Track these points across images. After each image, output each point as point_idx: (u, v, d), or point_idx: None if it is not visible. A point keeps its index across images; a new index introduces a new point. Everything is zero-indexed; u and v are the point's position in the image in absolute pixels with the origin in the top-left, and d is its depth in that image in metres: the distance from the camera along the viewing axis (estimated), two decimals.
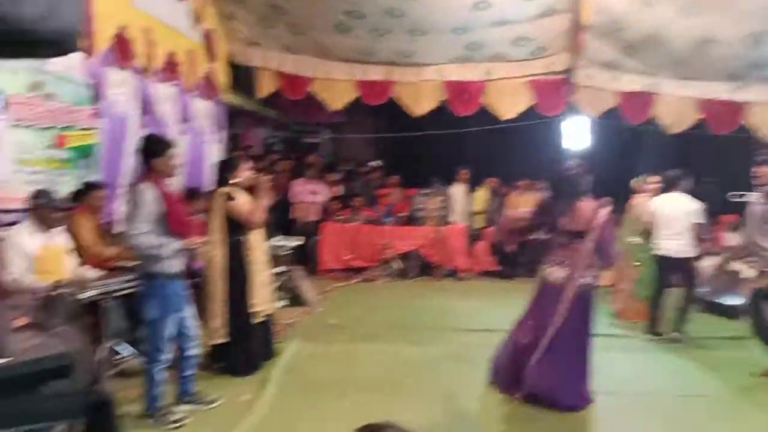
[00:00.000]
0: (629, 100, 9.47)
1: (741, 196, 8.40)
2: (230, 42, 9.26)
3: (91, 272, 4.58)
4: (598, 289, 4.35)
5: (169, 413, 3.82)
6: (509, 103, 9.62)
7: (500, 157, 10.91)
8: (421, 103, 9.67)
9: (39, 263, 4.03)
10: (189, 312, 4.05)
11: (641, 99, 9.45)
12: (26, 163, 4.95)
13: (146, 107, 6.97)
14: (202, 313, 4.84)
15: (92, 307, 4.38)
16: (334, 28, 8.73)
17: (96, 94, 5.98)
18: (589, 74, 9.31)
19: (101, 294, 4.27)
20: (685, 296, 5.99)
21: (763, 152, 4.85)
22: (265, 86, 9.91)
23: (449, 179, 10.18)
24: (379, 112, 12.54)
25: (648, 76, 9.28)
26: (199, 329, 4.23)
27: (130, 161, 6.75)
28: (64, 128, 5.50)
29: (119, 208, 6.54)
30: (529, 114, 9.73)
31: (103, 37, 5.82)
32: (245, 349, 4.75)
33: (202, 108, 8.74)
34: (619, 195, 6.24)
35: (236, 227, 4.71)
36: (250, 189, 4.80)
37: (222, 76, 9.19)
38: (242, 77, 10.17)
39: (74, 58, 5.46)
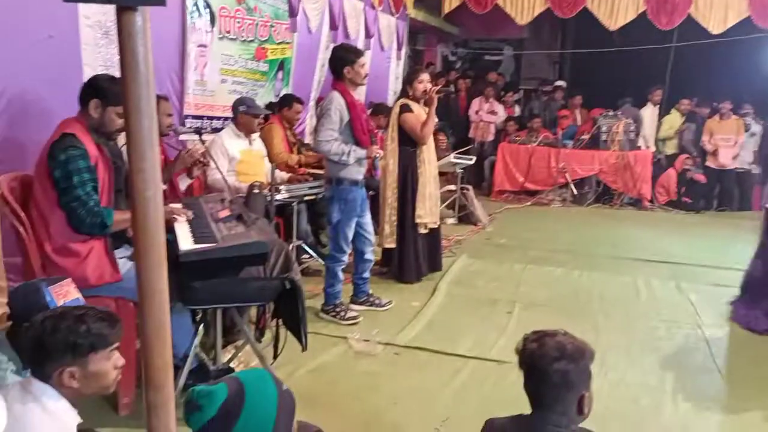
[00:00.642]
0: None
1: None
2: None
3: (282, 176, 5.01)
4: None
5: (345, 310, 4.16)
6: (720, 15, 8.56)
7: (699, 77, 9.82)
8: (618, 15, 8.96)
9: (240, 165, 4.49)
10: (368, 218, 4.30)
11: None
12: (230, 73, 5.44)
13: (334, 22, 7.23)
14: (377, 219, 5.12)
15: (283, 209, 4.83)
16: None
17: (291, 7, 6.31)
18: None
19: (292, 197, 4.67)
20: None
21: None
22: (451, 0, 9.76)
23: (638, 100, 9.44)
24: (564, 28, 11.84)
25: None
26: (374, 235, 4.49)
27: (318, 76, 7.14)
28: (263, 41, 5.91)
29: (308, 120, 7.01)
30: (742, 27, 8.60)
31: None
32: (410, 257, 4.95)
33: (387, 24, 8.86)
34: None
35: (409, 139, 4.82)
36: (426, 101, 4.86)
37: None
38: None
39: None
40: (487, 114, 10.01)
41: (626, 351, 3.82)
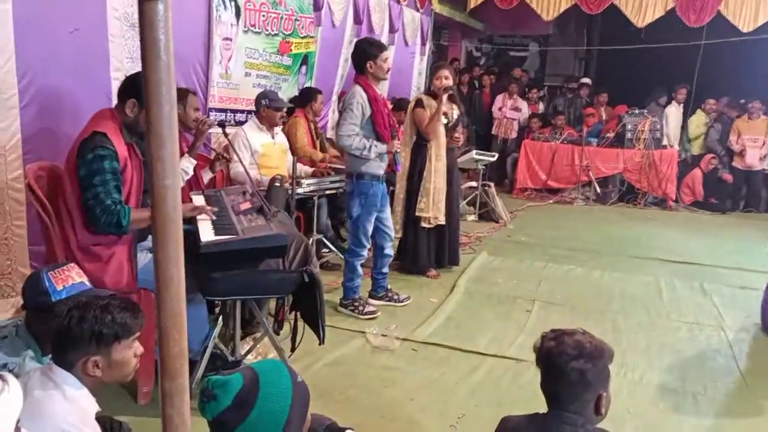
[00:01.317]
0: None
1: None
2: None
3: (305, 170, 5.03)
4: None
5: (364, 305, 4.17)
6: (751, 12, 8.41)
7: (727, 76, 9.64)
8: (646, 11, 8.83)
9: (262, 159, 4.52)
10: (388, 213, 4.31)
11: None
12: (254, 67, 5.47)
13: (358, 16, 7.23)
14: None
15: (304, 202, 4.85)
16: None
17: (316, 2, 6.32)
18: None
19: (313, 191, 4.69)
20: None
21: None
22: None
23: (664, 99, 9.30)
24: (591, 24, 11.70)
25: None
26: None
27: (342, 70, 7.15)
28: (288, 35, 5.93)
29: (331, 114, 7.03)
30: None
31: None
32: (411, 248, 4.96)
33: (412, 19, 8.83)
34: None
35: (421, 133, 4.83)
36: (450, 96, 4.84)
37: None
38: None
39: None
40: (511, 111, 9.95)
41: (646, 352, 3.78)
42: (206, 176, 3.68)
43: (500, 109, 9.99)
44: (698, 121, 9.23)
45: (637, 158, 8.69)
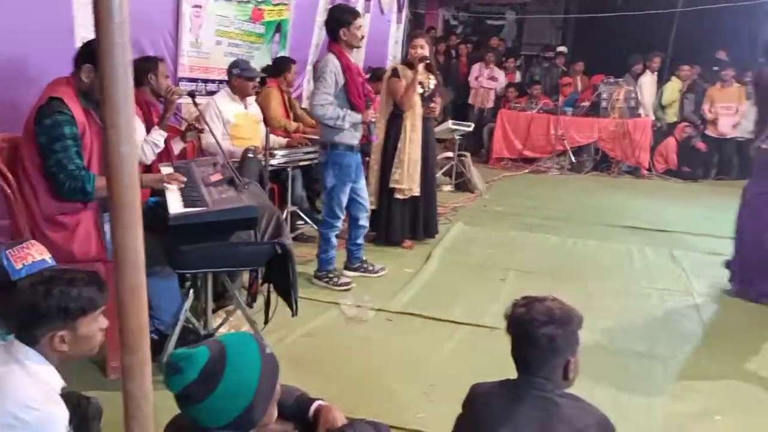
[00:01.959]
0: None
1: None
2: None
3: (279, 141, 4.97)
4: None
5: (338, 276, 4.16)
6: None
7: (706, 44, 9.66)
8: None
9: (234, 129, 4.44)
10: (363, 183, 4.28)
11: None
12: (225, 35, 5.35)
13: None
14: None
15: (277, 174, 4.80)
16: None
17: None
18: None
19: (287, 162, 4.64)
20: None
21: None
22: None
23: (640, 67, 9.31)
24: None
25: None
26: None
27: (316, 39, 7.03)
28: (260, 2, 5.80)
29: (305, 84, 6.93)
30: None
31: None
32: (384, 221, 4.94)
33: None
34: None
35: (397, 104, 4.79)
36: (427, 66, 4.79)
37: None
38: None
39: None
40: (488, 80, 9.90)
41: (617, 318, 3.84)
42: (177, 147, 3.61)
43: (477, 78, 9.94)
44: (673, 88, 9.28)
45: (611, 127, 8.74)
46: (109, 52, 1.00)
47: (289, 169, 4.71)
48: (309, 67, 6.95)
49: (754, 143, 4.11)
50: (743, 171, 8.87)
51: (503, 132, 9.22)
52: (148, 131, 3.25)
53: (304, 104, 6.58)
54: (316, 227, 4.78)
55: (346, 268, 4.35)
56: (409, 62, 4.77)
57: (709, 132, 8.92)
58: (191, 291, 2.91)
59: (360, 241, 4.37)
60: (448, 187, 7.27)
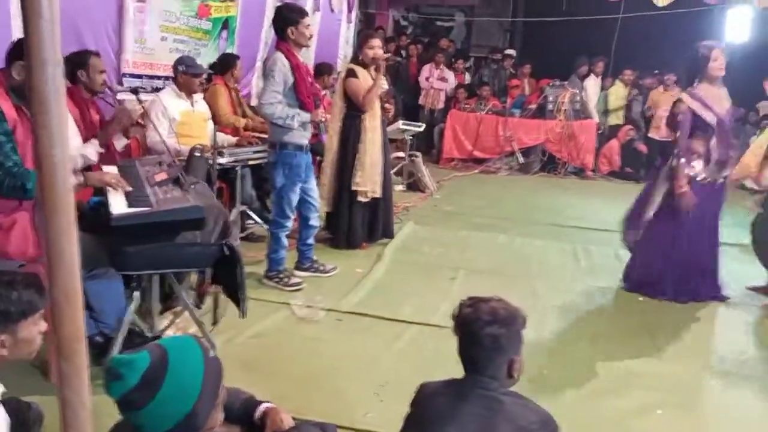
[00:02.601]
0: None
1: None
2: None
3: (227, 139, 4.90)
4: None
5: (289, 276, 4.12)
6: None
7: (647, 49, 10.00)
8: None
9: (181, 127, 4.35)
10: (313, 183, 4.26)
11: None
12: (171, 30, 5.23)
13: None
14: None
15: (226, 173, 4.73)
16: None
17: None
18: None
19: (235, 161, 4.57)
20: None
21: None
22: None
23: (585, 70, 9.56)
24: None
25: None
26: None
27: (265, 35, 6.95)
28: None
29: (254, 81, 6.85)
30: (687, 0, 8.79)
31: None
32: (344, 224, 4.92)
33: None
34: None
35: (354, 104, 4.75)
36: (377, 68, 4.80)
37: None
38: None
39: None
40: (438, 81, 9.99)
41: (563, 315, 3.93)
42: (119, 144, 3.51)
43: (427, 79, 10.01)
44: (617, 93, 9.55)
45: (557, 129, 8.93)
46: (37, 51, 0.97)
47: (238, 168, 4.64)
48: (258, 64, 6.88)
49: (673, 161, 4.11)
50: None
51: (453, 132, 9.32)
52: (85, 131, 3.15)
53: (254, 102, 6.51)
54: (266, 227, 4.73)
55: (296, 268, 4.31)
56: (362, 62, 4.76)
57: (652, 134, 9.21)
58: (137, 293, 2.84)
59: (311, 241, 4.35)
60: (399, 187, 7.30)
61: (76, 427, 1.07)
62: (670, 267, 4.20)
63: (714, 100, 3.97)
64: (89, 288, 2.47)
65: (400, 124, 7.34)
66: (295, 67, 3.83)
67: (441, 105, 10.00)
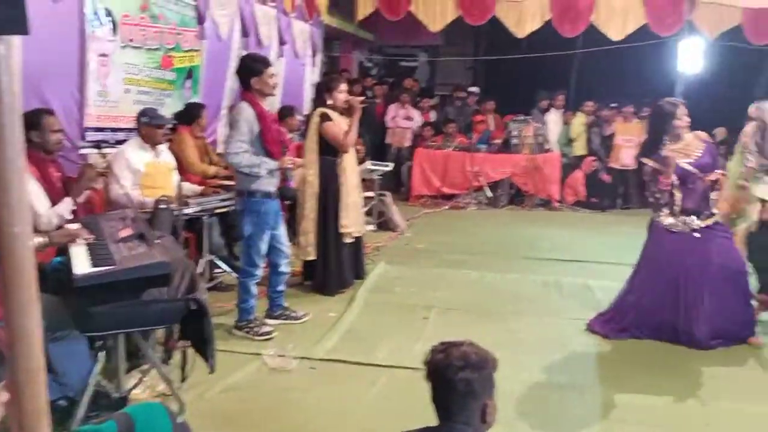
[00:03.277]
0: (754, 18, 8.64)
1: None
2: None
3: (193, 189, 4.87)
4: None
5: (259, 326, 4.06)
6: (620, 22, 9.04)
7: (604, 82, 10.34)
8: (525, 23, 9.27)
9: (145, 179, 4.32)
10: (282, 230, 4.24)
11: None
12: (134, 83, 5.23)
13: (246, 29, 7.11)
14: (295, 232, 5.06)
15: (192, 222, 4.70)
16: None
17: (199, 15, 6.15)
18: None
19: (202, 210, 4.54)
20: None
21: None
22: (364, 6, 9.79)
23: (546, 104, 9.81)
24: (478, 35, 12.17)
25: None
26: (290, 248, 4.43)
27: (230, 83, 7.00)
28: (170, 49, 5.73)
29: (220, 128, 6.86)
30: (640, 34, 9.12)
31: None
32: (334, 268, 4.91)
33: (301, 30, 8.79)
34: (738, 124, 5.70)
35: (330, 148, 4.80)
36: (346, 111, 4.86)
37: None
38: None
39: None
40: (404, 120, 10.11)
41: (537, 351, 3.94)
42: (80, 197, 3.46)
43: (393, 118, 10.13)
44: (579, 125, 9.79)
45: (523, 163, 9.10)
46: None
47: (204, 218, 4.62)
48: (224, 112, 6.89)
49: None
50: (645, 200, 9.44)
51: (421, 170, 9.41)
52: (48, 191, 3.11)
53: (220, 149, 6.51)
54: (235, 275, 4.69)
55: (267, 316, 4.27)
56: (332, 106, 4.81)
57: (613, 164, 9.43)
58: (102, 353, 2.77)
59: (281, 287, 4.31)
60: (370, 227, 7.29)
61: None
62: (646, 314, 4.17)
63: (679, 154, 4.03)
64: (52, 351, 2.41)
65: (369, 164, 7.40)
66: (261, 116, 3.85)
67: (408, 143, 10.10)
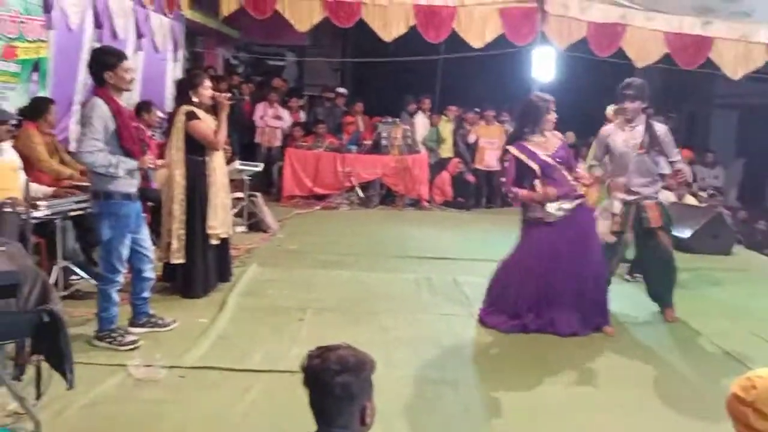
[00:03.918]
0: (598, 32, 9.44)
1: None
2: None
3: (43, 190, 4.47)
4: None
5: (123, 335, 3.80)
6: (479, 31, 9.49)
7: (467, 87, 10.85)
8: (391, 27, 9.44)
9: None
10: (145, 233, 4.00)
11: (610, 30, 9.43)
12: None
13: (99, 20, 6.66)
14: (158, 234, 4.80)
15: (45, 226, 4.31)
16: None
17: (46, 3, 5.67)
18: (563, 3, 9.24)
19: (53, 213, 4.18)
20: None
21: (629, 86, 4.52)
22: (229, 3, 9.51)
23: (414, 108, 10.09)
24: (346, 37, 12.28)
25: (618, 7, 9.27)
26: (154, 251, 4.19)
27: (83, 77, 6.51)
28: (12, 39, 5.25)
29: (72, 126, 6.36)
30: (498, 43, 9.62)
31: None
32: (201, 270, 4.73)
33: (160, 24, 8.38)
34: (586, 129, 6.19)
35: (197, 147, 4.61)
36: (212, 108, 4.68)
37: None
38: None
39: None
40: (273, 119, 9.95)
41: (411, 347, 4.02)
42: None
43: (262, 117, 9.93)
44: (445, 128, 10.16)
45: (392, 163, 9.30)
46: None
47: (57, 221, 4.25)
48: (76, 107, 6.39)
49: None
50: (506, 199, 10.00)
51: (292, 170, 9.31)
52: None
53: (72, 147, 6.03)
54: (93, 282, 4.35)
55: (131, 325, 3.99)
56: (198, 104, 4.61)
57: (478, 165, 9.89)
58: None
59: (146, 294, 4.05)
60: (240, 229, 7.10)
61: None
62: (524, 299, 4.36)
63: (539, 147, 4.32)
64: None
65: (237, 164, 7.20)
66: (117, 113, 3.60)
67: (278, 143, 9.96)
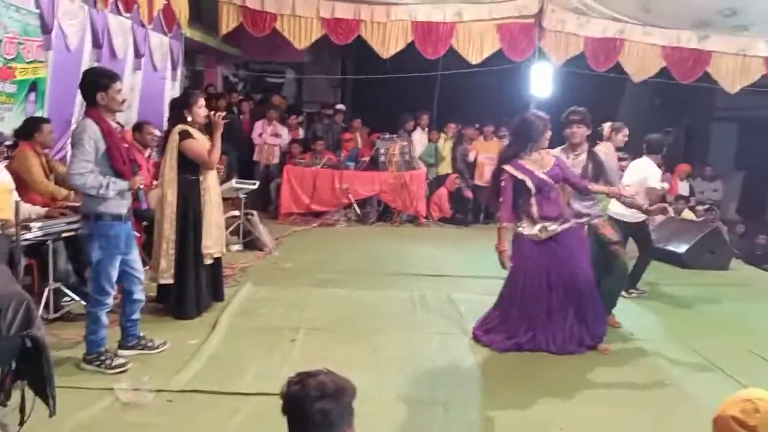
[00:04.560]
0: (595, 46, 9.47)
1: None
2: None
3: (36, 210, 4.47)
4: None
5: (111, 358, 3.77)
6: (477, 47, 9.53)
7: (465, 103, 10.86)
8: (389, 44, 9.51)
9: None
10: (136, 254, 3.98)
11: (608, 45, 9.46)
12: None
13: (98, 40, 6.70)
14: (149, 254, 4.78)
15: (37, 248, 4.30)
16: None
17: (44, 24, 5.71)
18: (560, 18, 9.27)
19: (45, 234, 4.17)
20: (639, 261, 5.75)
21: (575, 112, 4.69)
22: (228, 21, 9.59)
23: (411, 124, 10.11)
24: (344, 54, 12.33)
25: (616, 22, 9.31)
26: (145, 273, 4.17)
27: (81, 97, 6.53)
28: (10, 60, 5.28)
29: (69, 146, 6.37)
30: (496, 59, 9.66)
31: None
32: (192, 290, 4.70)
33: (160, 43, 8.44)
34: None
35: (191, 166, 4.61)
36: (206, 127, 4.69)
37: (182, 9, 8.83)
38: (204, 11, 9.84)
39: None
40: (271, 137, 9.97)
41: (403, 367, 3.98)
42: None
43: (260, 135, 9.96)
44: (444, 144, 10.17)
45: (390, 180, 9.30)
46: None
47: (49, 242, 4.24)
48: (74, 127, 6.41)
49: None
50: None
51: (290, 187, 9.31)
52: None
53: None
54: (85, 304, 4.33)
55: (120, 347, 3.96)
56: (192, 122, 4.62)
57: (476, 181, 9.88)
58: None
59: (136, 316, 4.02)
60: (236, 247, 7.10)
61: None
62: (518, 318, 4.36)
63: (535, 165, 4.31)
64: None
65: (234, 182, 7.21)
66: (107, 134, 3.60)
67: (276, 160, 9.98)
